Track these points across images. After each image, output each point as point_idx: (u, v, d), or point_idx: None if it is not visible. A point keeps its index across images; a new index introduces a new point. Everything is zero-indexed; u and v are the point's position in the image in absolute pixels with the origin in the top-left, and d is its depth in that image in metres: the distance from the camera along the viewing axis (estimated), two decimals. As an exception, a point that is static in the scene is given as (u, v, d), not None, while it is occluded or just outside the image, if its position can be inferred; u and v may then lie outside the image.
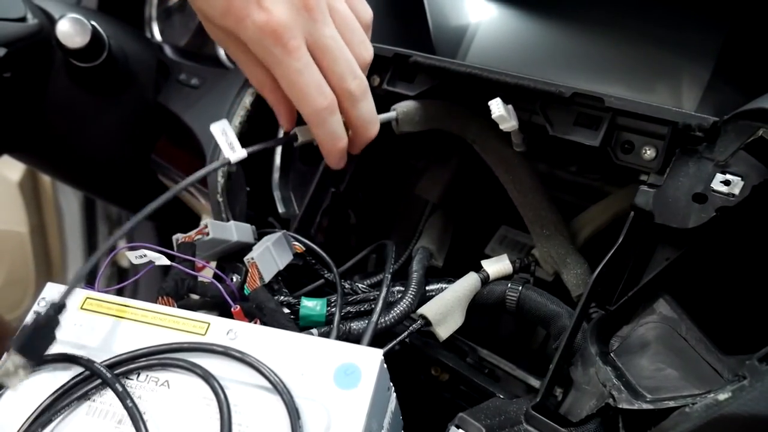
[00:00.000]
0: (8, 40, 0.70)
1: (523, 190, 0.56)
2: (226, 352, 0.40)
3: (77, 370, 0.41)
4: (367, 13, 0.49)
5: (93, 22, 0.74)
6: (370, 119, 0.49)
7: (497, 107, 0.50)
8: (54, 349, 0.42)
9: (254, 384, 0.39)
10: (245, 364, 0.39)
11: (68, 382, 0.40)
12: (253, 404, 0.38)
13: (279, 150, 0.74)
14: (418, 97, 0.58)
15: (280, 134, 0.75)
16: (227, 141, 0.49)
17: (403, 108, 0.58)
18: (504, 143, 0.56)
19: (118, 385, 0.39)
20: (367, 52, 0.48)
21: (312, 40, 0.43)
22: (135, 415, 0.38)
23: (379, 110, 0.64)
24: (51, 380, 0.41)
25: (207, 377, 0.39)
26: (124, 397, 0.38)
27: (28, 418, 0.39)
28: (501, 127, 0.52)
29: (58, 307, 0.39)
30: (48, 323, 0.40)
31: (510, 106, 0.52)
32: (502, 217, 0.68)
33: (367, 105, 0.48)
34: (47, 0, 0.78)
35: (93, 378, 0.40)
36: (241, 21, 0.42)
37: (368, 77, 0.62)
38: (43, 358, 0.40)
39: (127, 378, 0.41)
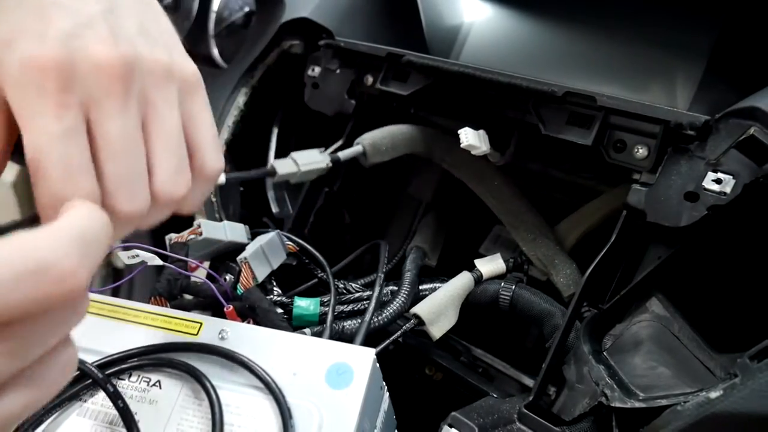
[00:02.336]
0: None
1: (500, 198, 0.57)
2: (217, 351, 0.40)
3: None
4: (217, 163, 0.35)
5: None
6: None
7: (465, 137, 0.51)
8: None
9: (246, 384, 0.39)
10: (237, 363, 0.39)
11: None
12: (246, 404, 0.38)
13: (273, 149, 0.74)
14: (411, 96, 0.58)
15: (275, 133, 0.75)
16: None
17: (368, 140, 0.57)
18: (474, 159, 0.56)
19: (109, 386, 0.39)
20: (175, 187, 0.33)
21: (93, 118, 0.30)
22: (126, 416, 0.38)
23: (374, 109, 0.64)
24: None
25: (198, 377, 0.39)
26: (116, 397, 0.38)
27: None
28: (473, 153, 0.52)
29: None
30: None
31: (481, 131, 0.52)
32: (496, 216, 0.68)
33: (126, 228, 0.32)
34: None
35: (84, 378, 0.40)
36: (7, 47, 0.29)
37: (361, 76, 0.62)
38: None
39: (118, 378, 0.40)
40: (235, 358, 0.39)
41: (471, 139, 0.51)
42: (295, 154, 0.54)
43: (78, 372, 0.40)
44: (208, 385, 0.38)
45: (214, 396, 0.38)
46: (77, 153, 0.29)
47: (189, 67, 0.35)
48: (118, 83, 0.30)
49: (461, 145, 0.51)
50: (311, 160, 0.54)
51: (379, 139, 0.58)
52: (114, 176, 0.30)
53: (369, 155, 0.57)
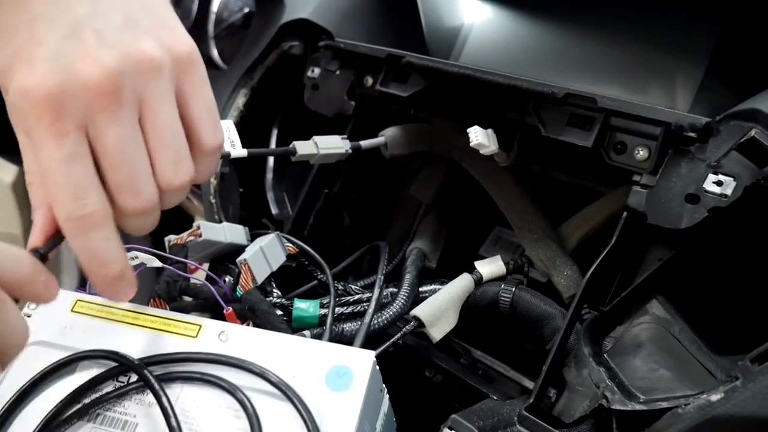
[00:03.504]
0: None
1: (509, 198, 0.57)
2: (246, 368, 0.39)
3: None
4: (212, 137, 0.36)
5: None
6: (142, 230, 0.36)
7: (474, 136, 0.51)
8: (42, 352, 0.42)
9: (257, 388, 0.39)
10: (272, 385, 0.39)
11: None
12: (269, 411, 0.38)
13: (272, 151, 0.74)
14: (411, 97, 0.58)
15: (274, 135, 0.75)
16: (229, 138, 0.49)
17: (390, 133, 0.60)
18: (489, 158, 0.56)
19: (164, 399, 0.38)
20: (177, 177, 0.34)
21: (92, 133, 0.32)
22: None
23: (374, 111, 0.64)
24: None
25: (233, 391, 0.38)
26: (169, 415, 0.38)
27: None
28: (481, 152, 0.52)
29: (42, 256, 0.33)
30: None
31: (490, 131, 0.52)
32: (497, 218, 0.68)
33: (145, 221, 0.35)
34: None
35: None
36: (10, 80, 0.31)
37: (361, 77, 0.62)
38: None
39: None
40: (270, 380, 0.38)
41: (480, 137, 0.51)
42: (316, 138, 0.55)
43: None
44: (245, 400, 0.38)
45: (251, 409, 0.37)
46: (82, 173, 0.32)
47: (181, 45, 0.35)
48: (108, 98, 0.31)
49: (471, 144, 0.51)
50: (332, 144, 0.56)
51: (400, 133, 0.60)
52: (116, 182, 0.33)
53: (389, 146, 0.60)
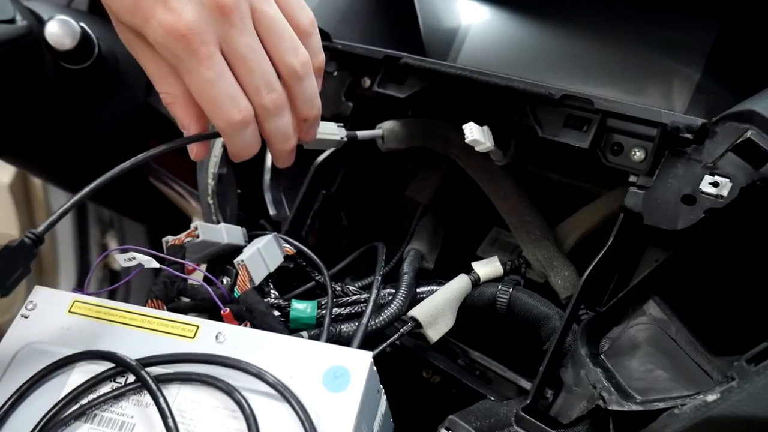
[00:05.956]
0: (-3, 42, 0.69)
1: (506, 198, 0.57)
2: (239, 366, 0.39)
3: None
4: (305, 16, 0.43)
5: (82, 24, 0.73)
6: (284, 134, 0.44)
7: (470, 132, 0.51)
8: (40, 353, 0.42)
9: (254, 389, 0.39)
10: (268, 384, 0.39)
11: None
12: (266, 412, 0.38)
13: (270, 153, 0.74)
14: (409, 98, 0.58)
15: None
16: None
17: (388, 126, 0.60)
18: (485, 157, 0.56)
19: (162, 400, 0.38)
20: (297, 59, 0.41)
21: (227, 48, 0.39)
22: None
23: (371, 112, 0.64)
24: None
25: (230, 391, 0.38)
26: (166, 415, 0.38)
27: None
28: (476, 149, 0.52)
29: (38, 238, 0.35)
30: (22, 251, 0.36)
31: (485, 128, 0.52)
32: (494, 218, 0.68)
33: (281, 120, 0.43)
34: (37, 1, 0.78)
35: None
36: (148, 20, 0.37)
37: (358, 79, 0.62)
38: (7, 288, 0.37)
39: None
40: (267, 381, 0.38)
41: (476, 133, 0.51)
42: None
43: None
44: (242, 400, 0.38)
45: (248, 411, 0.37)
46: (230, 84, 0.39)
47: None
48: (233, 14, 0.38)
49: (466, 140, 0.51)
50: (326, 130, 0.55)
51: (398, 126, 0.60)
52: (254, 85, 0.40)
53: (386, 140, 0.60)
